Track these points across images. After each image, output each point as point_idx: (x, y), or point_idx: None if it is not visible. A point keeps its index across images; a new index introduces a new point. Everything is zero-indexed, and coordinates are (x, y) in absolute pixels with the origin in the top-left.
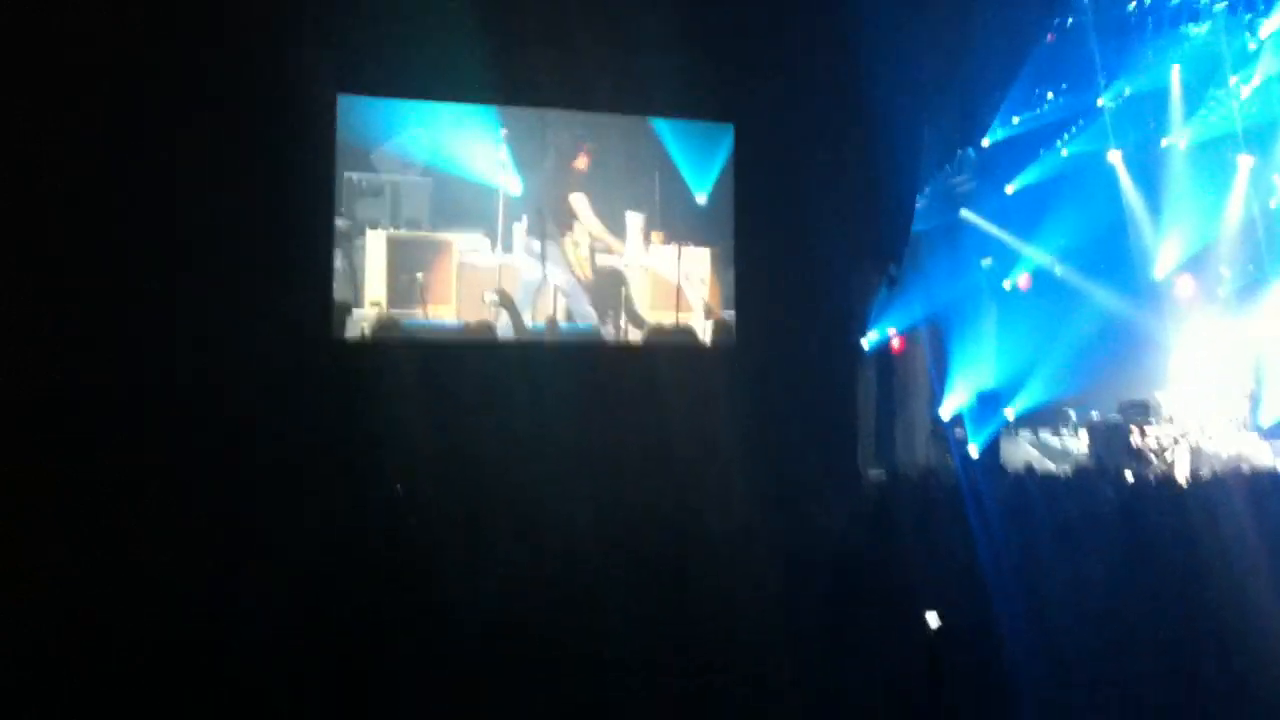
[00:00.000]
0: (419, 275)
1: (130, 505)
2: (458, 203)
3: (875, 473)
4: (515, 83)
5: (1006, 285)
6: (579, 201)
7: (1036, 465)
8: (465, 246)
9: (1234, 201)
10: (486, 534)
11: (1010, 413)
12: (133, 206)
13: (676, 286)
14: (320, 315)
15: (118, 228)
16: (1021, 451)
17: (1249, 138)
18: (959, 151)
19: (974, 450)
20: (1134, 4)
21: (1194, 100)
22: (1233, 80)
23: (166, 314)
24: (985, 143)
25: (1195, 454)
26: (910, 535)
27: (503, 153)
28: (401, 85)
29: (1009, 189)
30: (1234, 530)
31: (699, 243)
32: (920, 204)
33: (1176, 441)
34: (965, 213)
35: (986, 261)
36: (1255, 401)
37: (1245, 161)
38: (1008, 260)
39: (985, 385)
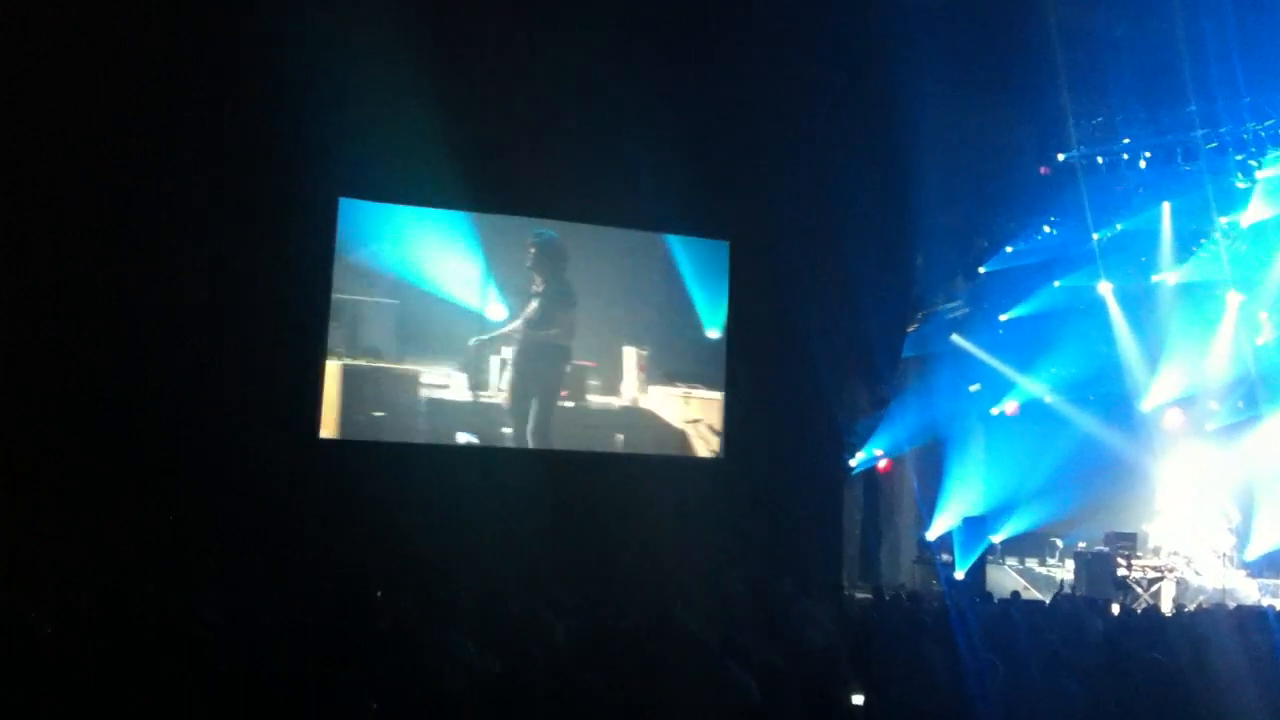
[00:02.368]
0: (377, 414)
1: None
2: (428, 329)
3: (861, 595)
4: (508, 191)
5: (995, 412)
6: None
7: (1022, 593)
8: (433, 380)
9: (1223, 337)
10: (460, 639)
11: (996, 539)
12: (135, 310)
13: (681, 433)
14: (310, 414)
15: (118, 332)
16: (1007, 578)
17: (1238, 275)
18: (953, 278)
19: (960, 574)
20: (1127, 139)
21: (1185, 237)
22: (1223, 220)
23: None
24: (980, 270)
25: (1181, 588)
26: (894, 656)
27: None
28: (398, 191)
29: (1002, 318)
30: (1218, 665)
31: (709, 384)
32: (912, 328)
33: (1162, 575)
34: (956, 338)
35: (975, 387)
36: (1241, 537)
37: (1234, 299)
38: (997, 387)
39: (972, 510)
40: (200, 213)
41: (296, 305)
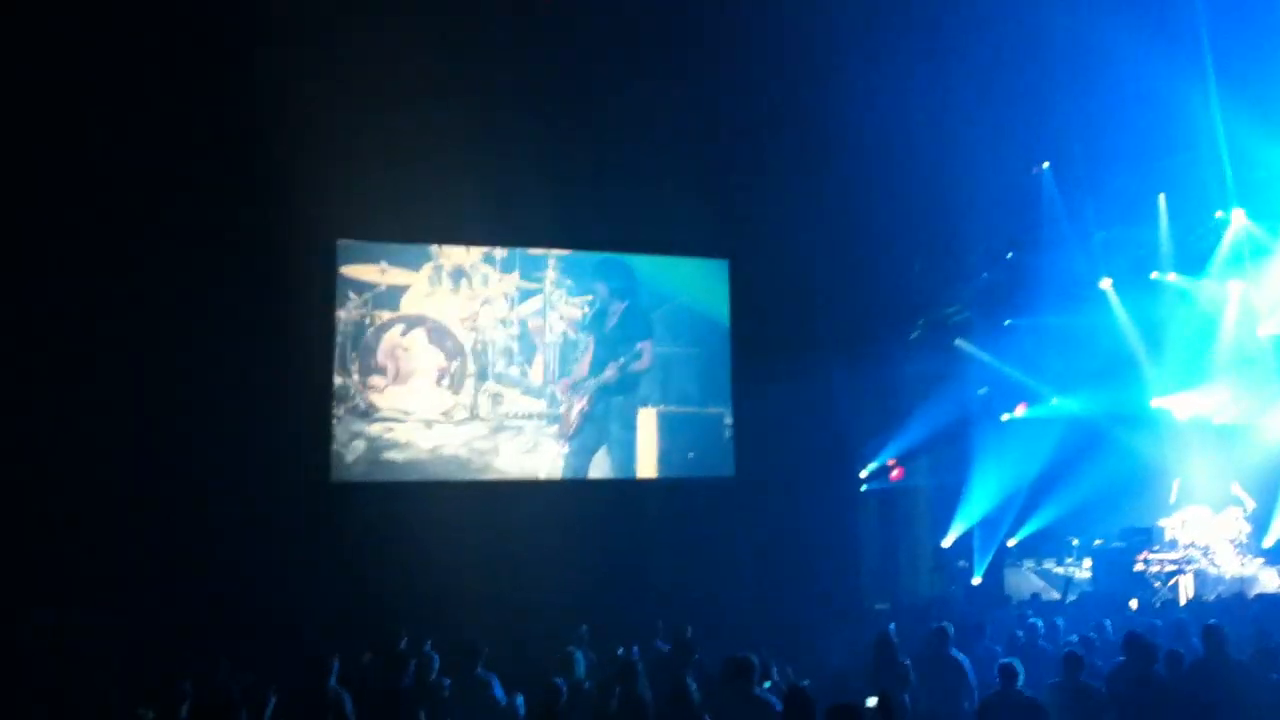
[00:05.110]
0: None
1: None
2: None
3: (880, 606)
4: (505, 222)
5: (1005, 418)
6: None
7: (1041, 594)
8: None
9: (1226, 327)
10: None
11: (1012, 542)
12: (141, 361)
13: None
14: (320, 457)
15: (122, 380)
16: (1025, 580)
17: (1238, 264)
18: (954, 283)
19: (977, 580)
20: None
21: (1182, 228)
22: (1219, 214)
23: (172, 452)
24: (983, 275)
25: (1199, 580)
26: (917, 665)
27: None
28: (396, 229)
29: (1005, 321)
30: (1238, 655)
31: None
32: (915, 334)
33: (1180, 568)
34: (960, 342)
35: (983, 390)
36: (1257, 525)
37: (1235, 288)
38: (1005, 389)
39: (987, 514)
40: (200, 261)
41: (299, 351)
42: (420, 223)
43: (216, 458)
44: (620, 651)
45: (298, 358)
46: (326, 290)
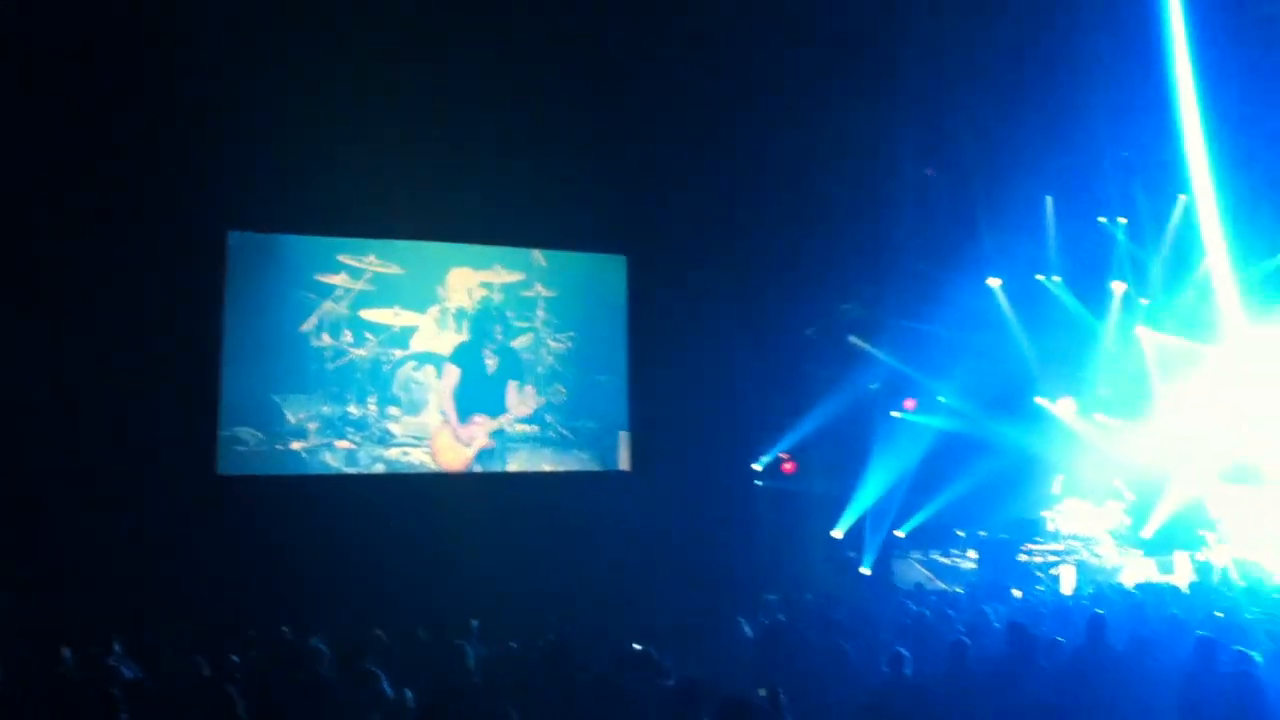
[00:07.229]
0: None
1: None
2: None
3: (773, 597)
4: (401, 215)
5: (896, 415)
6: None
7: (927, 584)
8: None
9: (1110, 326)
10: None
11: (900, 533)
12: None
13: None
14: (206, 450)
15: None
16: (913, 571)
17: (1120, 265)
18: (849, 281)
19: (866, 570)
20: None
21: (1068, 230)
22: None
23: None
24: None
25: (1080, 570)
26: (808, 655)
27: None
28: (287, 221)
29: (897, 320)
30: (1116, 644)
31: None
32: (809, 330)
33: (1062, 558)
34: (854, 339)
35: (874, 386)
36: (1135, 517)
37: (1118, 288)
38: (896, 384)
39: (877, 507)
40: (91, 253)
41: (189, 343)
42: (314, 216)
43: (103, 448)
44: (513, 645)
45: (187, 353)
46: (215, 280)
